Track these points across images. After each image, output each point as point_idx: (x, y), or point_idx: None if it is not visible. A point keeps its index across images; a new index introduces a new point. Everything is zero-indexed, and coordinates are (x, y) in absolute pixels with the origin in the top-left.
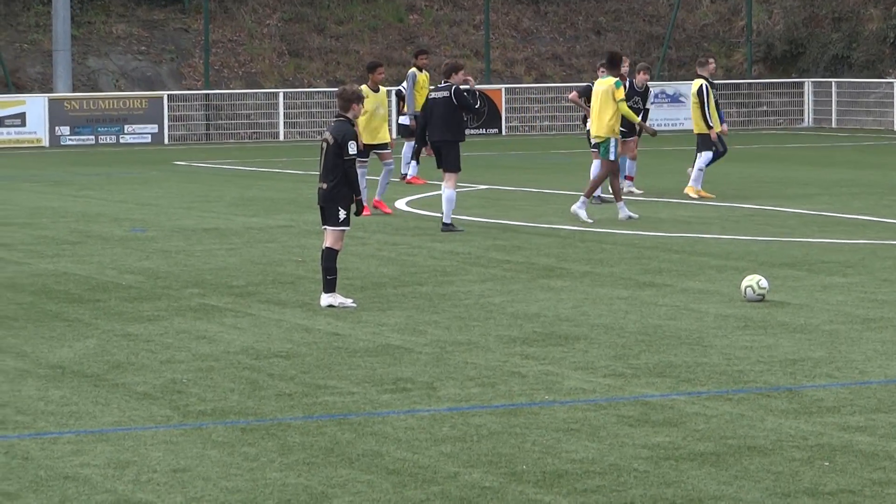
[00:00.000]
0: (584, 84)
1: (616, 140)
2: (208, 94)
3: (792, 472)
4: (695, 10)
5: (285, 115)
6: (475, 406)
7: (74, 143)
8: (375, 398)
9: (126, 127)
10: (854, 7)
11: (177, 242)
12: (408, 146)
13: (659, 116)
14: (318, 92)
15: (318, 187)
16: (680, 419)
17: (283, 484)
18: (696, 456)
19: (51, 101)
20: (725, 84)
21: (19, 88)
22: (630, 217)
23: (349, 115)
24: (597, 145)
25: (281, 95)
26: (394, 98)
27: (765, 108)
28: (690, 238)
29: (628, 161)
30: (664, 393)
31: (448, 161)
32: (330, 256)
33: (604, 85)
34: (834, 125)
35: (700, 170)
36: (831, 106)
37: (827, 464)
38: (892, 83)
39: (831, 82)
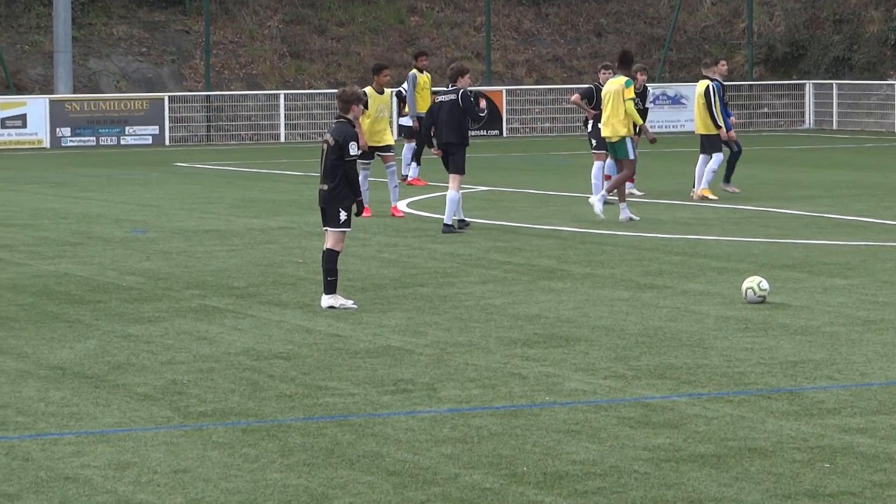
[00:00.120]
0: (586, 86)
1: (631, 138)
2: (209, 95)
3: (792, 474)
4: (696, 11)
5: (286, 117)
6: (476, 407)
7: (75, 144)
8: (376, 399)
9: (127, 128)
10: (855, 9)
11: (178, 244)
12: (408, 147)
13: (660, 118)
14: (319, 94)
15: (319, 188)
16: (680, 421)
17: (284, 485)
18: (696, 457)
19: (52, 102)
20: (727, 86)
21: (20, 90)
22: (631, 219)
23: (349, 116)
24: (611, 146)
25: (282, 97)
26: (394, 99)
27: (766, 109)
28: (691, 240)
29: None
30: (665, 394)
31: (454, 163)
32: (331, 258)
33: (615, 84)
34: (835, 127)
35: (713, 171)
36: (832, 108)
37: (828, 465)
38: (892, 85)
39: (832, 84)
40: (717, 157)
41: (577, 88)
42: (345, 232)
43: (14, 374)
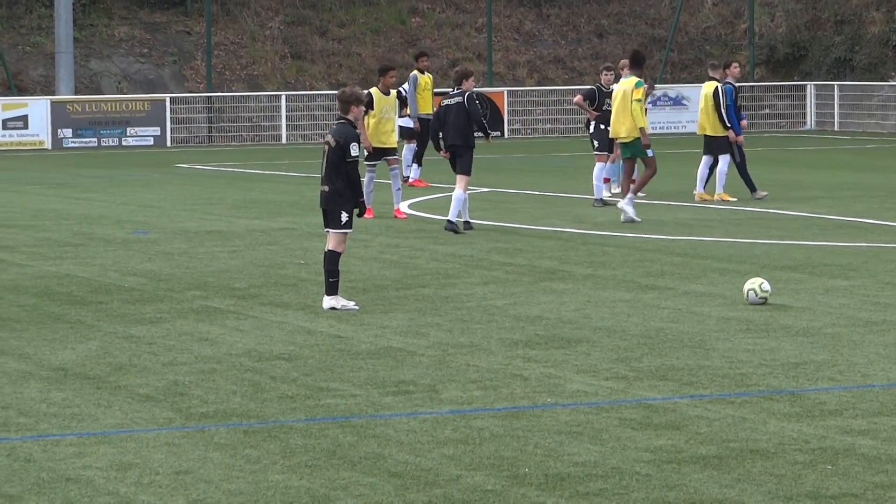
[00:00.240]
0: (588, 87)
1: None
2: (210, 96)
3: (794, 476)
4: (697, 12)
5: (287, 118)
6: (477, 409)
7: (77, 145)
8: (378, 400)
9: (128, 129)
10: (856, 10)
11: (179, 245)
12: (408, 149)
13: (661, 119)
14: (320, 95)
15: (321, 190)
16: (682, 422)
17: (286, 486)
18: (698, 459)
19: (53, 103)
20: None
21: (22, 91)
22: (633, 220)
23: (350, 117)
24: (625, 146)
25: (283, 98)
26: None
27: (767, 110)
28: (692, 241)
29: None
30: (666, 396)
31: (461, 164)
32: (332, 259)
33: (626, 84)
34: (836, 128)
35: (725, 174)
36: (833, 109)
37: (829, 467)
38: (894, 86)
39: (833, 85)
40: (725, 159)
41: (579, 90)
42: (346, 233)
43: (16, 375)
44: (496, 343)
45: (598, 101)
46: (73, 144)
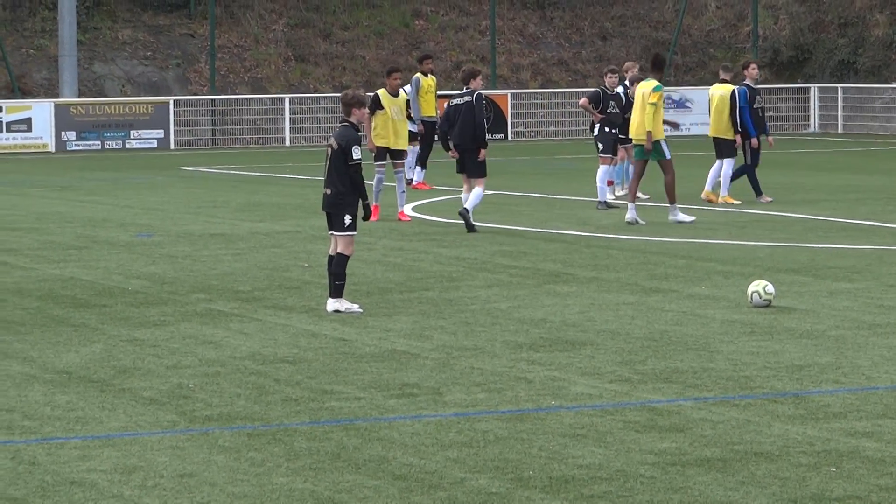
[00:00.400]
0: (593, 90)
1: (665, 141)
2: (214, 99)
3: (799, 478)
4: (700, 15)
5: (291, 121)
6: (482, 411)
7: (80, 148)
8: (382, 403)
9: (132, 132)
10: (860, 12)
11: (183, 248)
12: (411, 151)
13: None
14: (324, 97)
15: (323, 193)
16: (686, 425)
17: (290, 489)
18: (702, 462)
19: (57, 106)
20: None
21: (25, 94)
22: (637, 222)
23: (352, 119)
24: (641, 150)
25: (287, 101)
26: None
27: (770, 113)
28: (696, 243)
29: (629, 167)
30: (670, 398)
31: (477, 168)
32: (340, 262)
33: (645, 87)
34: (840, 131)
35: (729, 177)
36: (837, 111)
37: (834, 469)
38: None
39: (837, 88)
40: (731, 162)
41: (583, 92)
42: (352, 235)
43: (20, 378)
44: (500, 346)
45: (603, 104)
46: (76, 147)
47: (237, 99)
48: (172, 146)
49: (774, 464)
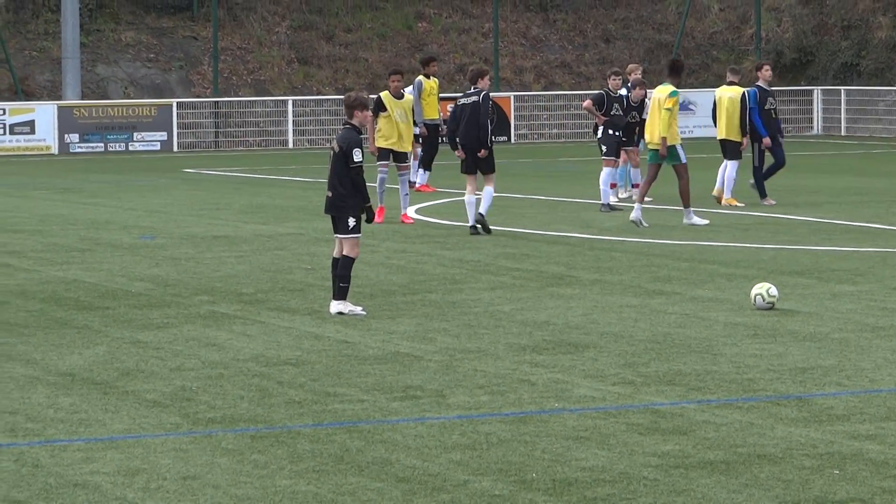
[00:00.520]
0: (597, 92)
1: (681, 145)
2: (217, 101)
3: (802, 481)
4: (703, 18)
5: (294, 123)
6: (485, 414)
7: (83, 150)
8: (385, 406)
9: (135, 134)
10: (863, 15)
11: (186, 250)
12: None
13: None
14: (327, 99)
15: (326, 195)
16: (689, 427)
17: (293, 492)
18: (705, 464)
19: (60, 108)
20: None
21: (28, 96)
22: (640, 223)
23: (354, 121)
24: (653, 153)
25: (290, 103)
26: None
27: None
28: (699, 246)
29: (632, 169)
30: (674, 401)
31: (486, 165)
32: (346, 264)
33: (663, 93)
34: (843, 133)
35: (733, 179)
36: (840, 114)
37: (837, 472)
38: None
39: (840, 90)
40: (735, 164)
41: (586, 95)
42: (357, 237)
43: (23, 380)
44: (503, 348)
45: (607, 106)
46: (79, 149)
47: (240, 101)
48: (175, 148)
49: (778, 466)
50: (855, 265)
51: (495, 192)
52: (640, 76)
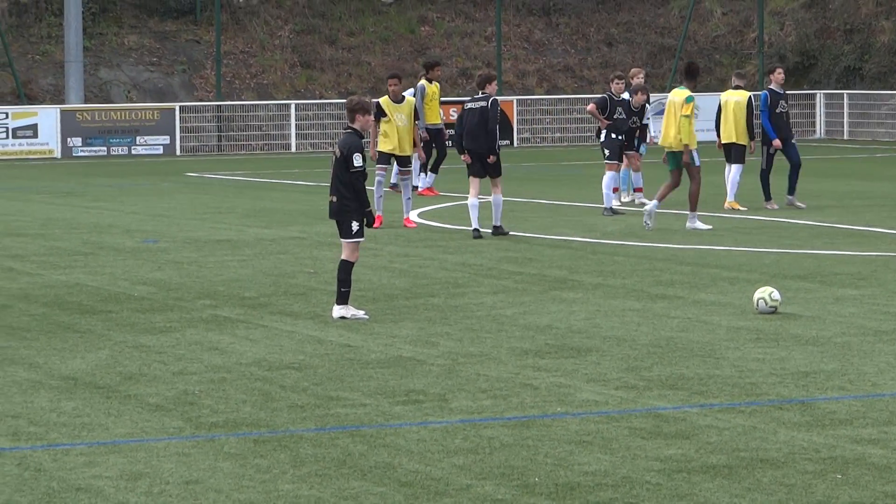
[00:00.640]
0: (600, 96)
1: (696, 149)
2: (220, 105)
3: (804, 485)
4: (706, 21)
5: (297, 127)
6: (487, 418)
7: (86, 154)
8: (388, 410)
9: (138, 138)
10: (866, 19)
11: (189, 254)
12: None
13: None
14: (330, 103)
15: (329, 200)
16: (692, 431)
17: (296, 496)
18: (708, 468)
19: (63, 112)
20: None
21: (31, 100)
22: (648, 223)
23: (356, 126)
24: (672, 156)
25: (293, 107)
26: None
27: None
28: (702, 250)
29: (633, 173)
30: (676, 405)
31: (494, 170)
32: (345, 268)
33: (678, 97)
34: (846, 137)
35: (737, 182)
36: (843, 118)
37: (840, 476)
38: None
39: (843, 94)
40: (739, 168)
41: (589, 98)
42: (358, 242)
43: (26, 384)
44: (506, 352)
45: (610, 110)
46: (82, 153)
47: (243, 105)
48: (178, 152)
49: (780, 471)
50: (857, 269)
51: (502, 194)
52: (642, 80)
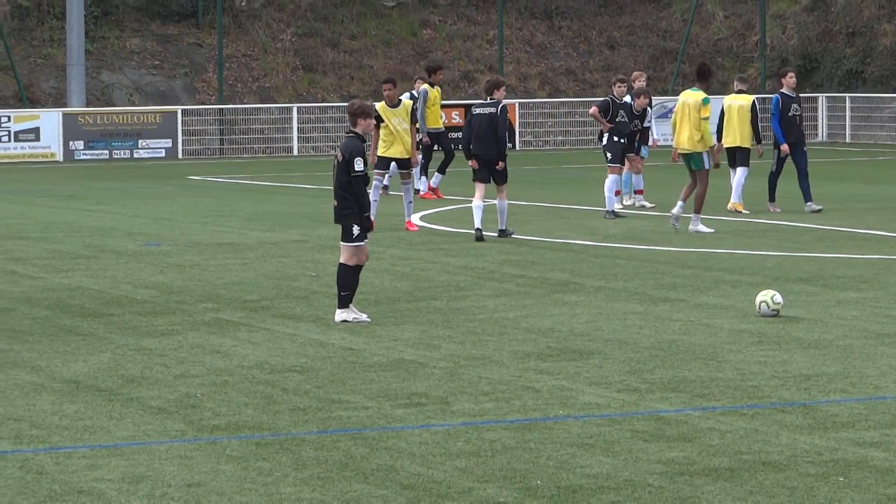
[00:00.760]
0: (602, 99)
1: (707, 152)
2: (222, 108)
3: (807, 488)
4: (708, 25)
5: (299, 130)
6: (489, 421)
7: (88, 157)
8: (390, 413)
9: (140, 141)
10: (868, 22)
11: (191, 257)
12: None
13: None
14: (332, 107)
15: (333, 205)
16: (694, 434)
17: (298, 499)
18: (710, 471)
19: (65, 115)
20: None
21: (33, 103)
22: (675, 224)
23: (358, 130)
24: (685, 158)
25: (295, 110)
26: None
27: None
28: (704, 253)
29: (634, 176)
30: (678, 408)
31: (500, 176)
32: (343, 273)
33: (692, 98)
34: (848, 140)
35: (742, 185)
36: (845, 121)
37: (842, 479)
38: None
39: (845, 97)
40: (745, 171)
41: (591, 101)
42: (357, 246)
43: (28, 387)
44: (508, 355)
45: (612, 113)
46: (84, 156)
47: (245, 108)
48: (180, 155)
49: (782, 473)
50: (859, 272)
51: (506, 199)
52: (643, 83)
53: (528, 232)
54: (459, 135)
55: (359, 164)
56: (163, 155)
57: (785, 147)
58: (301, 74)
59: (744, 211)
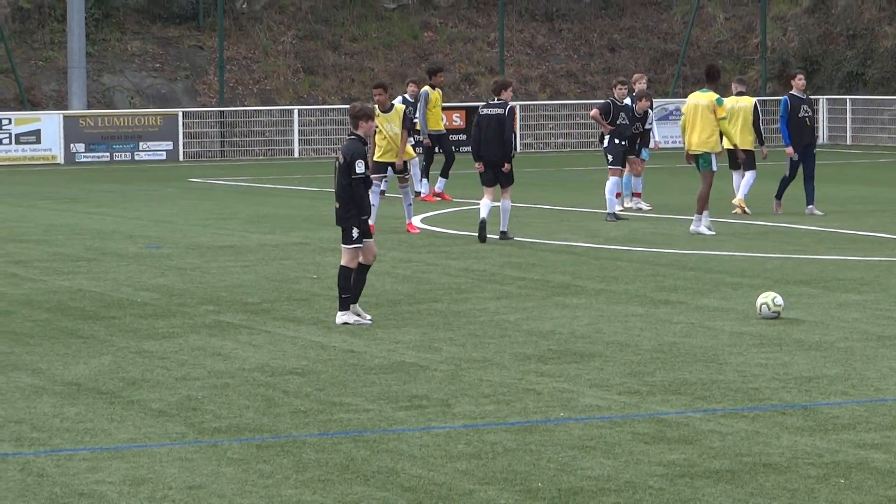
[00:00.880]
0: (603, 101)
1: (716, 154)
2: (223, 111)
3: (807, 490)
4: (709, 27)
5: (300, 132)
6: (490, 423)
7: (89, 160)
8: (391, 415)
9: (141, 144)
10: (869, 24)
11: (192, 259)
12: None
13: (672, 133)
14: (333, 109)
15: (335, 207)
16: (695, 436)
17: (299, 501)
18: (711, 473)
19: (66, 118)
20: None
21: (34, 105)
22: (709, 230)
23: (359, 132)
24: (695, 158)
25: (296, 112)
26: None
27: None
28: (705, 255)
29: (633, 178)
30: (679, 410)
31: (506, 178)
32: (344, 275)
33: (703, 99)
34: (849, 142)
35: (750, 185)
36: (846, 123)
37: (842, 481)
38: None
39: (846, 99)
40: (753, 173)
41: (592, 104)
42: (358, 248)
43: (29, 389)
44: (509, 358)
45: (613, 115)
46: (85, 159)
47: (246, 111)
48: (181, 158)
49: (783, 475)
50: (860, 274)
51: (510, 200)
52: (644, 85)
53: (530, 234)
54: (460, 137)
55: (360, 167)
56: (164, 157)
57: (790, 150)
58: (302, 77)
59: (747, 211)
